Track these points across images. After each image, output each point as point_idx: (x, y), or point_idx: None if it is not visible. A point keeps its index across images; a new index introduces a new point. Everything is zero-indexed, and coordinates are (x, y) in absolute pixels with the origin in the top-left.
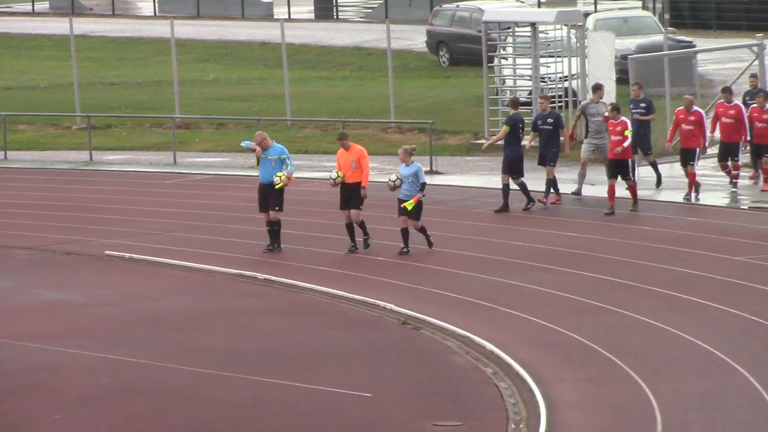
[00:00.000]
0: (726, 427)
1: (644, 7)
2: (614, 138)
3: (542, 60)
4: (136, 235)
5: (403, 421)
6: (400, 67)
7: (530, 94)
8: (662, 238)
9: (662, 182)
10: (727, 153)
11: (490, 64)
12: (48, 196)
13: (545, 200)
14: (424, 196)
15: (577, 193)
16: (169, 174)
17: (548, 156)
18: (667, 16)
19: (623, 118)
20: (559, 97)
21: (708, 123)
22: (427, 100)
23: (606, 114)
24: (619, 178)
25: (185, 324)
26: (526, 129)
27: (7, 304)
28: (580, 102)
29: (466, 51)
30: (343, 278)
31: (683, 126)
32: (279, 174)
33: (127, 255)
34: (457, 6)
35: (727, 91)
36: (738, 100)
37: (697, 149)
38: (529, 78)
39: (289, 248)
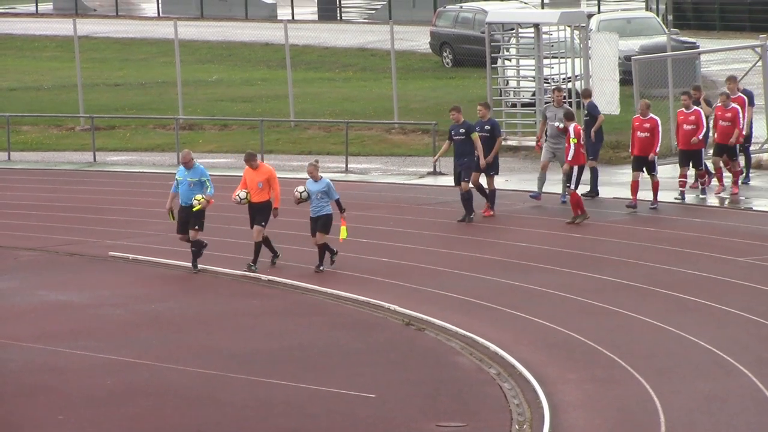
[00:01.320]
0: (730, 428)
1: (647, 8)
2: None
3: (546, 61)
4: (140, 236)
5: (407, 422)
6: (403, 68)
7: (534, 95)
8: (666, 239)
9: (598, 194)
10: (688, 160)
11: (493, 66)
12: (51, 197)
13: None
14: (344, 212)
15: (536, 196)
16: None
17: (491, 165)
18: (670, 17)
19: (575, 124)
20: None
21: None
22: (430, 101)
23: (557, 124)
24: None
25: (189, 325)
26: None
27: (11, 305)
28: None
29: (469, 52)
30: (347, 279)
31: (638, 134)
32: (198, 197)
33: (131, 256)
34: (461, 7)
35: (688, 94)
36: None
37: (655, 157)
38: (532, 79)
39: (292, 249)
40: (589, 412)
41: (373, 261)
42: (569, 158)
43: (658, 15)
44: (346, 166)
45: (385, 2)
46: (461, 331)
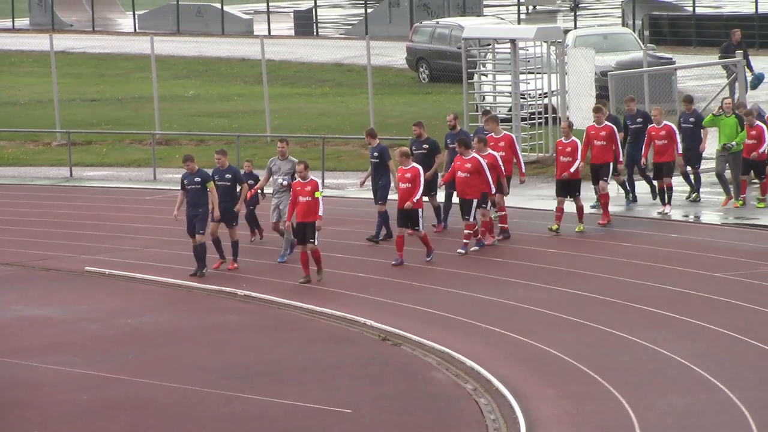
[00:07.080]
0: None
1: (624, 24)
2: (302, 199)
3: (522, 77)
4: (116, 251)
5: None
6: (380, 84)
7: (510, 110)
8: (642, 254)
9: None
10: (466, 209)
11: (470, 81)
12: (28, 212)
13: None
14: None
15: (282, 259)
16: (149, 190)
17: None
18: (646, 33)
19: (312, 177)
20: (539, 114)
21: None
22: (407, 116)
23: (281, 180)
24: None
25: (165, 340)
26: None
27: None
28: (558, 119)
29: (446, 67)
30: (323, 294)
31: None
32: None
33: (107, 271)
34: (437, 23)
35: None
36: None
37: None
38: (509, 94)
39: (269, 264)
40: (565, 427)
41: (348, 276)
42: (301, 213)
43: (634, 31)
44: (323, 181)
45: (361, 18)
46: (437, 347)
